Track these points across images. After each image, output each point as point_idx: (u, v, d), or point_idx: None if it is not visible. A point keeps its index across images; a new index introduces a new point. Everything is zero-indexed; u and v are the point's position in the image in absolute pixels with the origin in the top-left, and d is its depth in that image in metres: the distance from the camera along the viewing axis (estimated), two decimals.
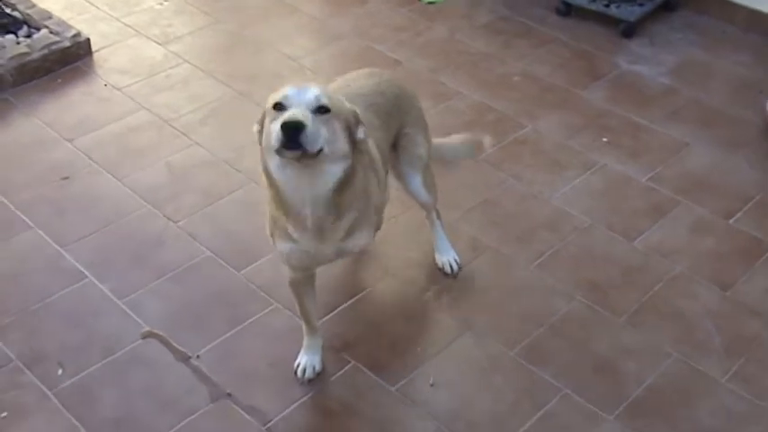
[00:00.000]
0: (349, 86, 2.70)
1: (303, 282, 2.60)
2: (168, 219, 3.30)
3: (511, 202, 3.42)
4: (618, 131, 3.80)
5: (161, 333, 2.84)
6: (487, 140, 3.21)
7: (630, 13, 4.39)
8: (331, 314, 2.94)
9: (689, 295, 3.04)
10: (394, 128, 2.76)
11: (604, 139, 3.75)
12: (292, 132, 2.05)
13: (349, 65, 4.20)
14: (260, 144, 2.27)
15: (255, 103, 3.92)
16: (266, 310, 2.94)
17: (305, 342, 2.73)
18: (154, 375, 2.72)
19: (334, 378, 2.73)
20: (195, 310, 2.94)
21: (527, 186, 3.48)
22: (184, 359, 2.77)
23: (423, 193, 2.92)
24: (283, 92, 2.17)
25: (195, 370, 2.74)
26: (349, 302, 2.99)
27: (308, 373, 2.71)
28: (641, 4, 4.43)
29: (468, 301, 3.00)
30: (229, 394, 2.66)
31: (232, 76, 4.12)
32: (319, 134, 2.11)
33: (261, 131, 2.25)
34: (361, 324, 2.93)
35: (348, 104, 2.30)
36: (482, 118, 3.86)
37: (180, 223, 3.28)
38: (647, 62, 4.25)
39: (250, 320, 2.90)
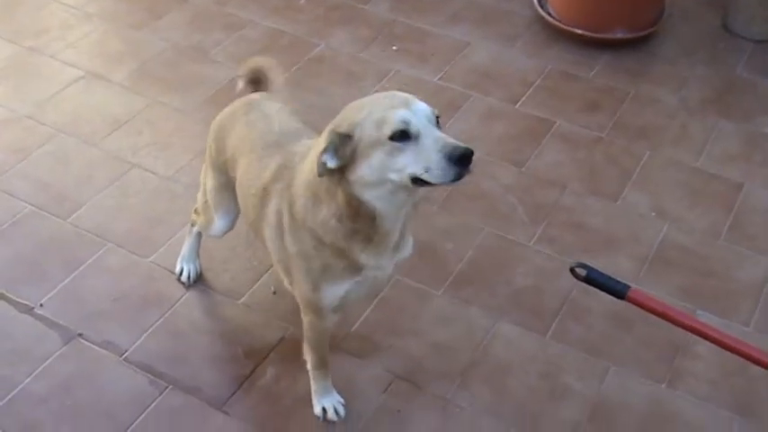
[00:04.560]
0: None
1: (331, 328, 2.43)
2: None
3: (315, 117, 3.57)
4: (405, 39, 4.05)
5: None
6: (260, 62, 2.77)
7: None
8: (166, 245, 3.04)
9: (489, 176, 3.37)
10: None
11: (394, 48, 3.99)
12: (467, 161, 1.86)
13: (134, 6, 4.22)
14: (320, 174, 1.97)
15: (48, 56, 3.87)
16: (100, 252, 2.99)
17: (319, 386, 2.55)
18: (0, 331, 2.74)
19: (180, 301, 2.85)
20: (29, 262, 2.95)
21: (329, 100, 3.66)
22: (28, 310, 2.80)
23: None
24: (399, 117, 1.87)
25: (41, 318, 2.78)
26: (180, 233, 3.09)
27: (342, 412, 2.55)
28: None
29: None
30: (80, 334, 2.73)
31: (19, 33, 4.01)
32: None
33: (324, 163, 1.94)
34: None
35: None
36: (275, 43, 4.00)
37: None
38: None
39: (86, 263, 2.95)
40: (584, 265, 2.16)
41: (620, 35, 3.97)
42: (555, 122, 3.61)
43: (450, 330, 2.81)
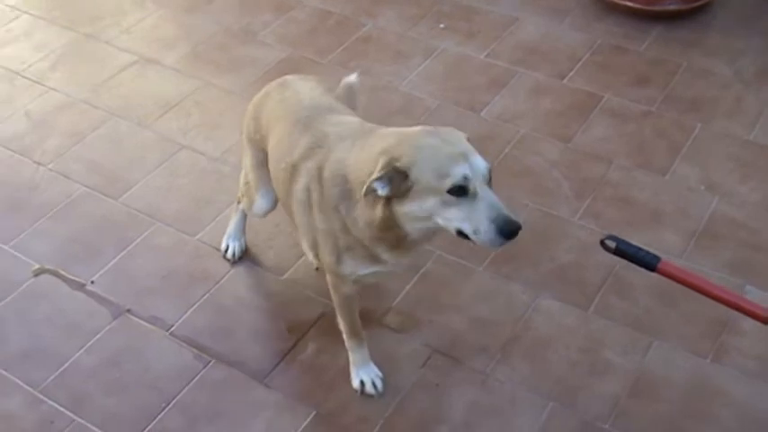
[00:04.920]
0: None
1: (356, 295, 2.48)
2: (38, 164, 3.36)
3: (364, 96, 3.60)
4: (453, 17, 4.04)
5: (52, 268, 2.95)
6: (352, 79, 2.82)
7: None
8: (213, 222, 3.10)
9: (535, 152, 3.34)
10: None
11: (441, 26, 3.99)
12: (515, 235, 1.98)
13: None
14: (366, 195, 2.04)
15: (104, 41, 3.98)
16: (149, 230, 3.08)
17: (357, 357, 2.59)
18: (53, 307, 2.84)
19: (225, 278, 2.91)
20: (82, 241, 3.05)
21: (376, 79, 3.69)
22: (80, 287, 2.89)
23: None
24: (460, 173, 1.95)
25: (92, 295, 2.87)
26: (226, 211, 3.15)
27: (380, 386, 2.57)
28: None
29: None
30: (129, 310, 2.81)
31: (74, 20, 4.13)
32: None
33: (375, 189, 2.01)
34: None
35: None
36: (323, 24, 4.03)
37: (50, 165, 3.35)
38: None
39: (136, 242, 3.04)
40: (614, 238, 2.15)
41: (671, 6, 3.88)
42: (603, 97, 3.56)
43: (490, 306, 2.81)
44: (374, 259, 2.26)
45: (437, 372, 2.63)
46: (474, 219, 1.98)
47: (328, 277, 2.44)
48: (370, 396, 2.57)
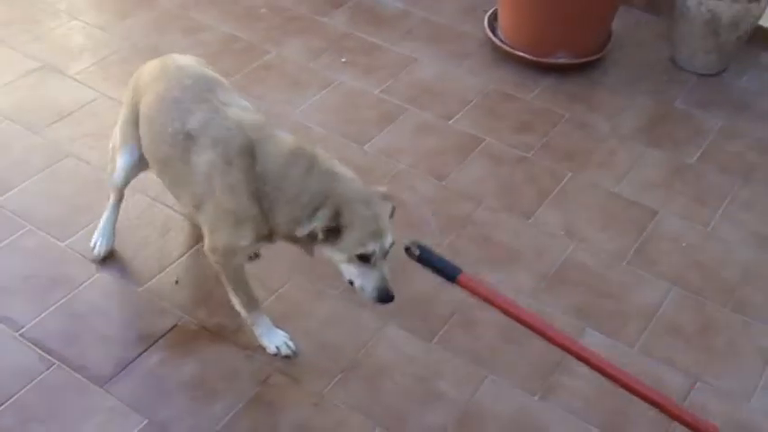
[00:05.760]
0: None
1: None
2: None
3: None
4: (355, 52, 4.17)
5: None
6: None
7: None
8: (81, 231, 3.17)
9: (410, 187, 3.46)
10: None
11: (343, 60, 4.11)
12: (387, 302, 2.49)
13: (104, 6, 4.39)
14: (301, 234, 2.45)
15: (11, 47, 4.04)
16: (20, 233, 3.13)
17: (263, 327, 2.80)
18: None
19: (84, 284, 2.97)
20: None
21: (270, 105, 3.79)
22: None
23: None
24: (371, 249, 2.40)
25: None
26: (96, 221, 3.22)
27: (293, 345, 2.81)
28: None
29: None
30: None
31: None
32: None
33: (316, 235, 2.41)
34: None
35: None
36: (229, 47, 4.14)
37: None
38: None
39: (3, 242, 3.10)
40: (419, 246, 2.28)
41: (562, 60, 4.05)
42: (484, 140, 3.70)
43: (338, 330, 2.90)
44: (269, 239, 2.59)
45: (274, 390, 2.71)
46: (365, 281, 2.46)
47: (216, 257, 2.64)
48: (289, 357, 2.79)
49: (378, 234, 2.42)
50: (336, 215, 2.39)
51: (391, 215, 2.53)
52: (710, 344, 2.94)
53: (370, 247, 2.40)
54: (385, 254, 2.46)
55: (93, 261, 3.04)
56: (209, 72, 2.79)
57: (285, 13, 4.41)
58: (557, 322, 2.94)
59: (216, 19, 4.33)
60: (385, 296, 2.47)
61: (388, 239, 2.45)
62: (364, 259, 2.42)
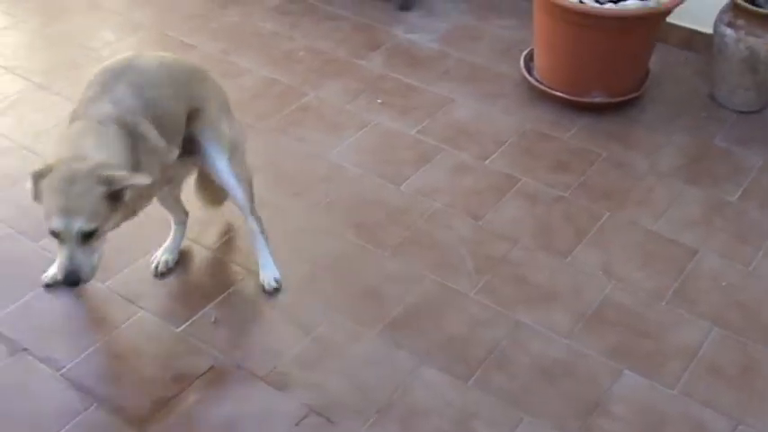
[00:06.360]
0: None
1: None
2: None
3: (292, 162, 3.78)
4: (391, 93, 4.21)
5: None
6: None
7: None
8: (123, 271, 3.22)
9: (445, 227, 3.47)
10: (194, 96, 2.91)
11: (379, 101, 4.16)
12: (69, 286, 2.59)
13: (148, 50, 4.48)
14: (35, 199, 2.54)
15: (54, 92, 4.15)
16: None
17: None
18: None
19: (123, 326, 3.02)
20: None
21: (307, 147, 3.84)
22: None
23: (229, 178, 2.99)
24: (53, 223, 2.46)
25: None
26: (138, 261, 3.27)
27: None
28: None
29: (249, 249, 3.32)
30: (25, 349, 2.92)
31: (32, 70, 4.32)
32: (90, 264, 2.56)
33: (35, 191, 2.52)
34: (150, 279, 3.21)
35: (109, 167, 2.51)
36: (268, 91, 4.21)
37: None
38: (422, 31, 4.69)
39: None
40: None
41: (598, 99, 4.05)
42: (520, 180, 3.70)
43: (374, 370, 2.90)
44: None
45: (309, 430, 2.71)
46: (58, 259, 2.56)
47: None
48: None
49: (52, 211, 2.46)
50: (35, 180, 2.49)
51: (113, 197, 2.51)
52: (753, 385, 2.89)
53: (52, 221, 2.47)
54: (67, 236, 2.48)
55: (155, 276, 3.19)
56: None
57: (323, 56, 4.47)
58: (594, 363, 2.92)
59: (255, 63, 4.41)
60: (66, 278, 2.51)
61: (54, 222, 2.47)
62: (54, 235, 2.50)
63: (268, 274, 3.17)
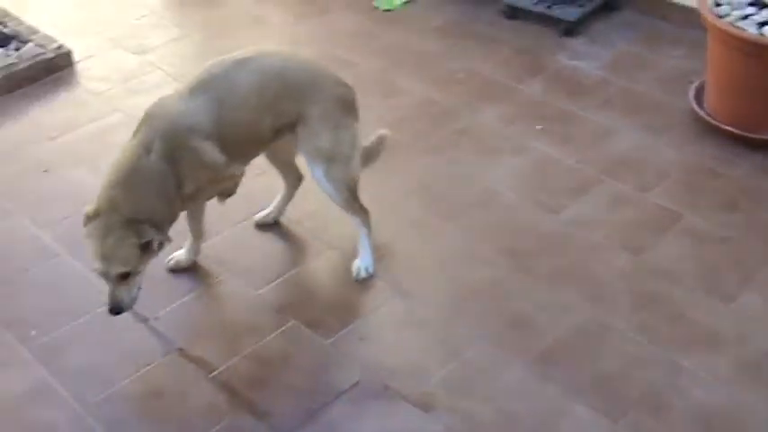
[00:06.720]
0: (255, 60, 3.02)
1: None
2: None
3: (446, 185, 3.75)
4: (551, 120, 4.13)
5: None
6: (385, 131, 3.41)
7: (570, 13, 4.73)
8: (276, 281, 3.28)
9: (603, 260, 3.35)
10: (286, 111, 3.03)
11: (538, 127, 4.08)
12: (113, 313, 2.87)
13: None
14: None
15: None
16: (218, 279, 3.29)
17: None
18: (115, 334, 3.06)
19: (274, 334, 3.06)
20: (157, 279, 3.25)
21: (463, 169, 3.81)
22: (143, 320, 3.11)
23: (326, 186, 3.14)
24: (95, 266, 2.79)
25: (152, 329, 3.08)
26: (291, 272, 3.32)
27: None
28: (581, 5, 4.78)
29: (400, 269, 3.32)
30: (180, 349, 3.00)
31: None
32: (129, 296, 2.85)
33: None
34: (303, 290, 3.26)
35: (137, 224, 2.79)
36: (426, 111, 4.21)
37: None
38: (585, 57, 4.59)
39: (206, 287, 3.25)
40: None
41: None
42: (683, 216, 3.54)
43: (521, 401, 2.83)
44: None
45: None
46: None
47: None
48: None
49: (93, 256, 2.78)
50: (84, 223, 2.85)
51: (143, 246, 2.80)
52: None
53: (94, 266, 2.81)
54: (107, 277, 2.80)
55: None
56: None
57: (483, 78, 4.44)
58: (758, 415, 2.75)
59: (415, 82, 4.42)
60: (111, 310, 2.84)
61: (96, 265, 2.79)
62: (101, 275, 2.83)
63: (363, 264, 3.28)
